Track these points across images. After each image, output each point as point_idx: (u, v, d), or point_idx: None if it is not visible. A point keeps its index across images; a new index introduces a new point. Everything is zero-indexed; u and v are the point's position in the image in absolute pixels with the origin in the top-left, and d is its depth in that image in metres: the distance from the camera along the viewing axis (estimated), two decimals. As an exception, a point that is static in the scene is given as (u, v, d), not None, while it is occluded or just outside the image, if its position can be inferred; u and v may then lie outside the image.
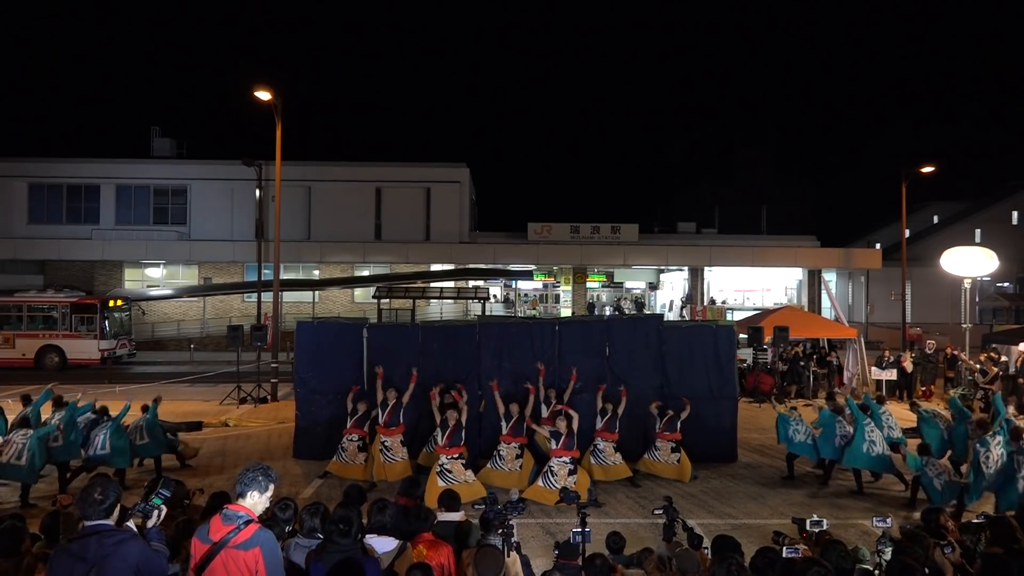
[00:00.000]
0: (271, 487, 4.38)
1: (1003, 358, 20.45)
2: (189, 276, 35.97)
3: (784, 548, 4.79)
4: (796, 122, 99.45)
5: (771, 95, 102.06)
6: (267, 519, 4.39)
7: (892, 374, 19.93)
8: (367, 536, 5.11)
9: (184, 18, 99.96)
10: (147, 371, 26.29)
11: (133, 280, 35.66)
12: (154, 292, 34.21)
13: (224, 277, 35.33)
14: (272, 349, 20.35)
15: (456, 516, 6.00)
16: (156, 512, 4.26)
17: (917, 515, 8.51)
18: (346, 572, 4.45)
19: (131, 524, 4.11)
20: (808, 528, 5.56)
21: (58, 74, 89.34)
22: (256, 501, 4.32)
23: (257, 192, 27.80)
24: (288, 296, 32.99)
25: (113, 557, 3.89)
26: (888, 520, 5.59)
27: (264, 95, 19.69)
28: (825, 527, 5.59)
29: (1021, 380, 17.83)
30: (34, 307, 27.09)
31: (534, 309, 41.05)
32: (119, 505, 4.13)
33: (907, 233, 31.70)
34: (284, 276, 26.72)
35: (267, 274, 24.19)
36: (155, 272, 36.17)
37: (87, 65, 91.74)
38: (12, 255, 33.64)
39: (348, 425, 11.61)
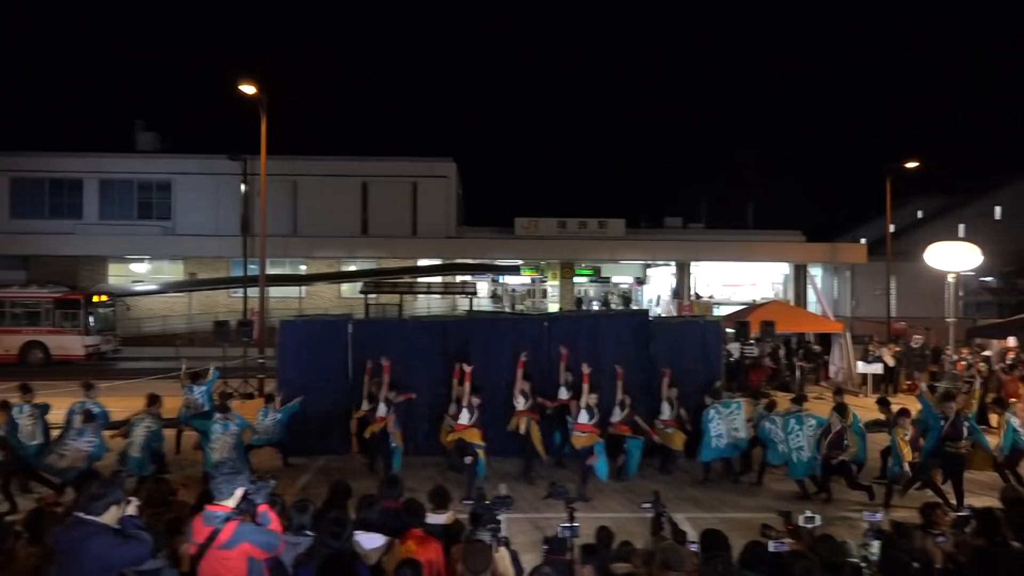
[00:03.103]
0: (243, 475, 4.46)
1: (986, 352, 20.64)
2: (174, 271, 35.71)
3: (771, 543, 4.81)
4: (782, 118, 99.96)
5: (757, 91, 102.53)
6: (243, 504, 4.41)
7: (878, 368, 20.05)
8: (355, 533, 5.11)
9: (168, 11, 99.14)
10: (132, 367, 26.06)
11: (118, 275, 35.32)
12: (139, 287, 33.96)
13: (210, 272, 35.09)
14: (259, 345, 20.24)
15: (443, 518, 5.96)
16: (124, 503, 4.34)
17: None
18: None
19: (107, 516, 4.15)
20: (802, 523, 5.58)
21: (41, 68, 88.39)
22: (233, 496, 4.40)
23: (242, 187, 27.64)
24: (275, 292, 32.79)
25: (79, 549, 4.02)
26: (879, 515, 5.63)
27: (249, 89, 19.54)
28: (819, 523, 5.61)
29: (1002, 374, 17.93)
30: (17, 302, 26.86)
31: (523, 304, 41.09)
32: (115, 505, 4.22)
33: (891, 228, 31.86)
34: (270, 271, 26.53)
35: (253, 269, 24.06)
36: (140, 267, 35.89)
37: (70, 58, 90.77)
38: (-6, 250, 33.36)
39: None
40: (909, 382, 20.75)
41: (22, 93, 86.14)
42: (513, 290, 42.51)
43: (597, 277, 42.85)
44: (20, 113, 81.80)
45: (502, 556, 5.42)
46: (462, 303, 34.91)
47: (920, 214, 49.33)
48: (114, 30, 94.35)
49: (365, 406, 11.48)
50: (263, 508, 4.44)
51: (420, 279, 35.23)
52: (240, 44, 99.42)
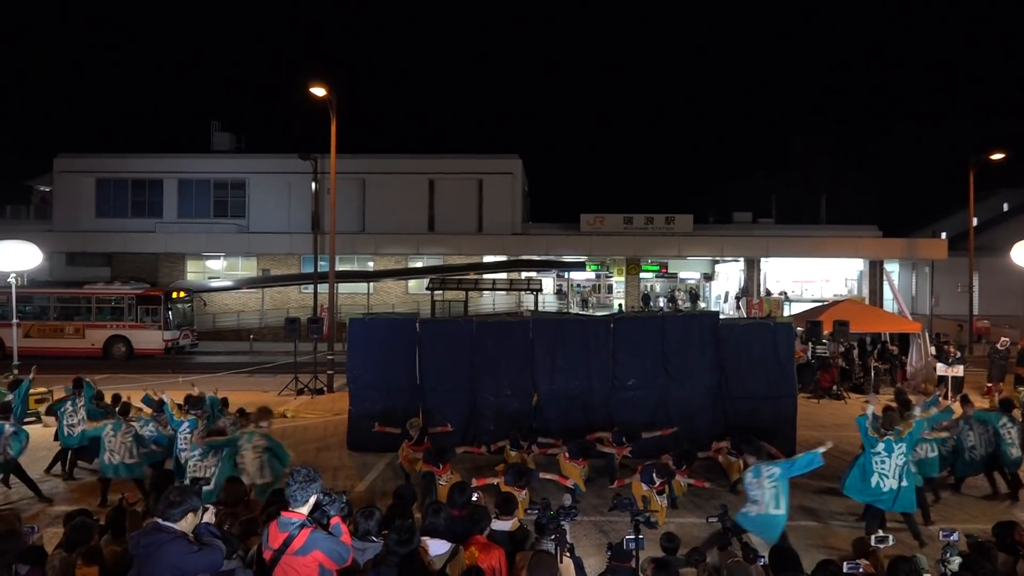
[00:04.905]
0: (317, 482, 4.55)
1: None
2: (248, 268, 36.79)
3: (845, 563, 4.67)
4: (856, 107, 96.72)
5: (830, 80, 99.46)
6: (315, 513, 4.53)
7: (959, 371, 19.11)
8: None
9: (242, 15, 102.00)
10: (209, 361, 26.99)
11: (195, 272, 36.64)
12: (215, 284, 35.13)
13: (282, 269, 36.04)
14: (328, 340, 20.67)
15: (507, 525, 5.98)
16: (201, 511, 4.50)
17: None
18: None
19: (184, 523, 4.31)
20: (873, 543, 5.40)
21: (122, 72, 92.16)
22: (307, 503, 4.52)
23: (313, 185, 28.29)
24: (343, 287, 33.48)
25: (155, 555, 4.17)
26: (955, 535, 5.41)
27: (319, 91, 19.90)
28: (891, 543, 5.42)
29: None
30: (102, 299, 28.04)
31: (591, 299, 40.93)
32: (192, 513, 4.37)
33: (975, 222, 30.48)
34: (339, 268, 27.07)
35: (323, 266, 24.59)
36: (216, 264, 37.12)
37: (150, 64, 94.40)
38: (81, 248, 35.09)
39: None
40: (990, 385, 19.87)
41: (106, 98, 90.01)
42: (579, 286, 42.34)
43: (664, 273, 42.36)
44: (104, 117, 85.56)
45: (567, 566, 5.42)
46: (527, 299, 34.94)
47: (1006, 206, 47.06)
48: (191, 35, 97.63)
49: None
50: (335, 520, 4.55)
51: (486, 275, 35.39)
52: (310, 45, 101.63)
